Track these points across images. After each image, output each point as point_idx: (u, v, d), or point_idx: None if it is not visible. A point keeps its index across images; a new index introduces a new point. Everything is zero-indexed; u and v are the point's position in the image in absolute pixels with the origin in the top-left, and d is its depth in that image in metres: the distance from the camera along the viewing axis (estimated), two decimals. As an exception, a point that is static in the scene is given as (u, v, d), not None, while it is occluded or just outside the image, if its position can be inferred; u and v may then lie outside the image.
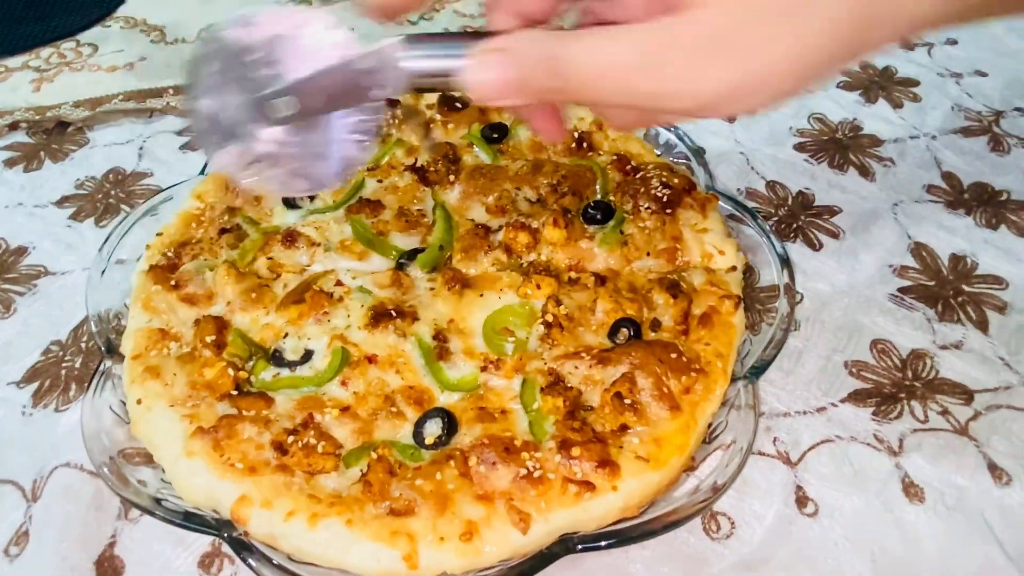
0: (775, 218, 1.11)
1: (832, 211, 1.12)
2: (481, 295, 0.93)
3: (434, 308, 0.92)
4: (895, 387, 0.90)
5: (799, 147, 1.24)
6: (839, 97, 1.34)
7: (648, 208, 0.98)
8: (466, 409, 0.81)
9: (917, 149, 1.22)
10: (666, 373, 0.80)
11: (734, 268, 0.95)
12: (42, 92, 1.44)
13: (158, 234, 1.03)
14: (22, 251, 1.14)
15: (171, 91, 1.42)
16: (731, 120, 1.29)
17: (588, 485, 0.72)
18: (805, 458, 0.84)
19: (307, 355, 0.87)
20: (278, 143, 0.62)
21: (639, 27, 0.49)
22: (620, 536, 0.72)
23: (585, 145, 1.12)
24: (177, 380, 0.84)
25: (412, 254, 0.98)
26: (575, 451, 0.74)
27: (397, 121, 1.15)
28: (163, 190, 1.11)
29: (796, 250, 1.06)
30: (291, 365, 0.87)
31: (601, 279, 0.93)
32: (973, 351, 0.93)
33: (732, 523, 0.79)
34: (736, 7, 0.47)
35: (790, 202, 1.14)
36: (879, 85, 1.36)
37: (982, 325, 0.96)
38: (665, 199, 0.99)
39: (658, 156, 1.12)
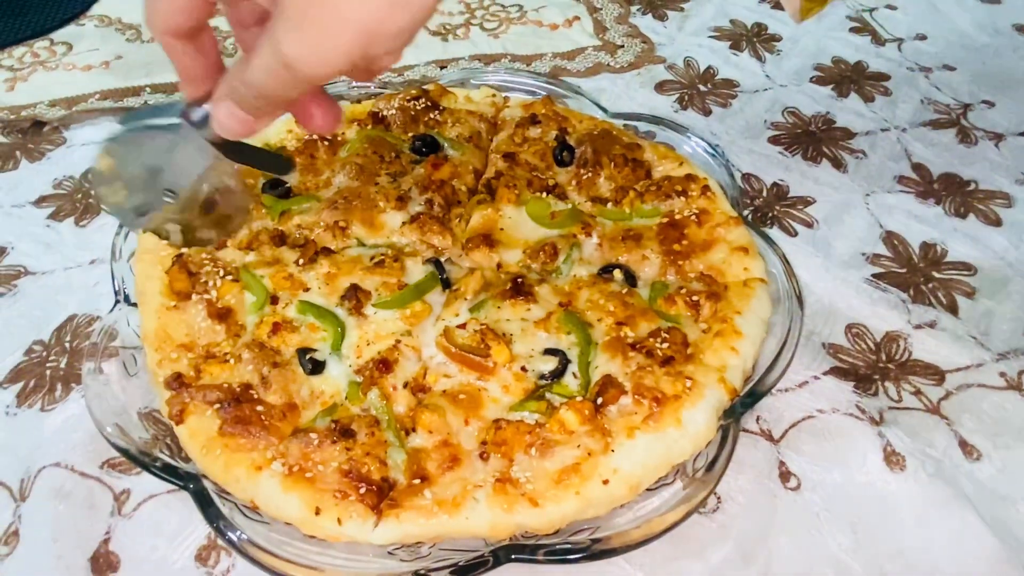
0: (751, 208, 1.14)
1: (806, 201, 1.15)
2: None
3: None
4: (870, 369, 0.93)
5: (774, 140, 1.27)
6: (812, 91, 1.37)
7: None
8: None
9: (888, 141, 1.26)
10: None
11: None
12: (16, 91, 1.43)
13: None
14: (1, 251, 1.13)
15: (148, 89, 1.41)
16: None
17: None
18: (787, 435, 0.86)
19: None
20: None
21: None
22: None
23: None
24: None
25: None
26: None
27: None
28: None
29: (771, 235, 1.07)
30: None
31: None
32: (947, 330, 0.96)
33: (718, 498, 0.81)
34: None
35: (765, 193, 1.17)
36: (851, 80, 1.39)
37: (952, 309, 0.99)
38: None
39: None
